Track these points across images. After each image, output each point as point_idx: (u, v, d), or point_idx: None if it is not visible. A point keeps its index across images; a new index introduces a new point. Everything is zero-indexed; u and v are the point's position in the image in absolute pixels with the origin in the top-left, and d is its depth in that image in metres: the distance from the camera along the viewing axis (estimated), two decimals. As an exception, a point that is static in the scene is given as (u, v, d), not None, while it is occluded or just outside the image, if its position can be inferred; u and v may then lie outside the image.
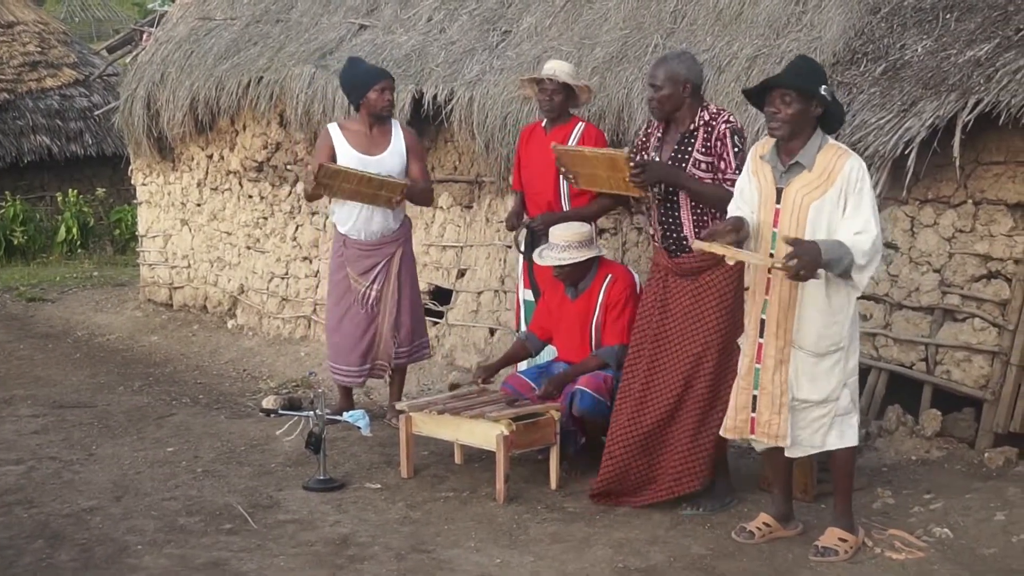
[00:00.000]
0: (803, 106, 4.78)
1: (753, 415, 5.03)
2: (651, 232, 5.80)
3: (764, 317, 4.94)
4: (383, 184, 6.70)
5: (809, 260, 4.60)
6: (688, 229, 5.50)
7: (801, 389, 4.90)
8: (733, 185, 5.29)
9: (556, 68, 6.46)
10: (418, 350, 7.25)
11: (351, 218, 6.97)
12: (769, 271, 4.83)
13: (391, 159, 6.89)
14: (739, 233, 4.84)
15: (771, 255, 4.86)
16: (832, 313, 4.82)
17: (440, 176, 8.85)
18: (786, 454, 5.06)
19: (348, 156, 6.85)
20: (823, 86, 4.80)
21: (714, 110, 5.51)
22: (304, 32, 9.90)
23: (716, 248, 4.76)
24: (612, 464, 5.63)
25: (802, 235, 4.78)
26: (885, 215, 6.54)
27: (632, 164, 5.46)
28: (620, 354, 5.95)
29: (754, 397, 5.02)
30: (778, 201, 4.87)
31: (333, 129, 7.02)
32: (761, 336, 4.96)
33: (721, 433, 5.23)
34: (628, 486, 5.64)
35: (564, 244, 6.06)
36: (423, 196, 7.15)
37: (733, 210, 5.06)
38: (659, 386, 5.56)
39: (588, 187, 6.08)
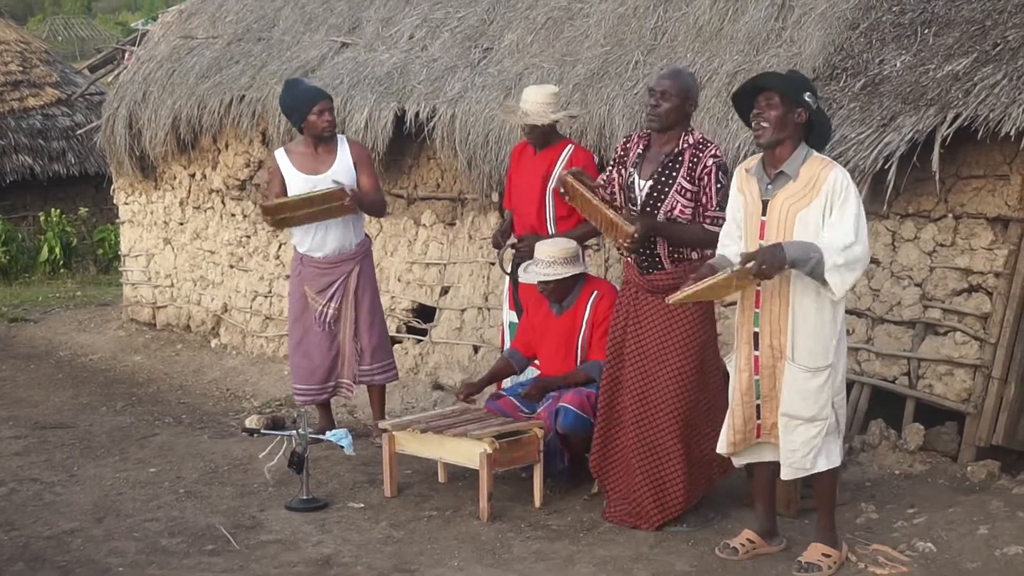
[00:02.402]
0: (786, 109, 4.80)
1: (758, 422, 5.02)
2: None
3: (757, 330, 4.94)
4: (324, 197, 6.71)
5: (769, 258, 4.65)
6: (662, 247, 5.49)
7: (792, 404, 4.87)
8: (713, 223, 5.33)
9: (530, 107, 6.32)
10: (382, 371, 7.16)
11: (308, 237, 6.97)
12: (754, 282, 4.82)
13: (338, 176, 6.85)
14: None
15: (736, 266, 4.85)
16: (822, 326, 4.82)
17: (423, 193, 8.85)
18: (782, 477, 5.04)
19: (295, 178, 6.87)
20: (807, 93, 4.83)
21: (699, 137, 5.50)
22: (286, 50, 9.90)
23: (688, 295, 4.85)
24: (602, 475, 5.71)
25: None
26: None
27: (628, 242, 5.37)
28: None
29: (757, 406, 5.01)
30: (764, 213, 4.88)
31: (280, 155, 7.05)
32: (756, 349, 4.96)
33: (720, 451, 5.19)
34: (627, 507, 5.64)
35: (549, 260, 6.06)
36: (373, 207, 7.09)
37: (722, 236, 5.10)
38: (638, 404, 5.55)
39: (586, 216, 5.79)
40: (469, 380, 7.13)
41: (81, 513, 5.93)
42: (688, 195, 5.41)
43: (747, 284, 4.85)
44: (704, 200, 5.40)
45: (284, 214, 6.78)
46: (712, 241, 5.24)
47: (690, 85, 5.49)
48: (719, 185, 5.39)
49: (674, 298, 4.88)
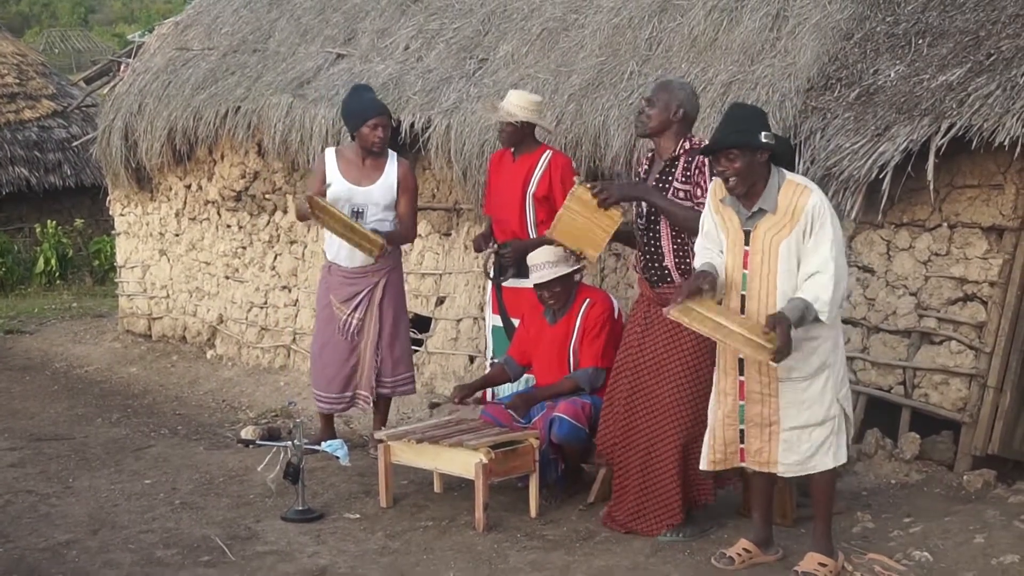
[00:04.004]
0: (749, 158, 4.79)
1: (742, 446, 5.02)
2: (634, 262, 5.81)
3: (742, 356, 4.92)
4: (365, 237, 6.70)
5: (788, 337, 4.62)
6: (669, 259, 5.52)
7: (799, 417, 4.87)
8: None
9: (510, 104, 6.44)
10: (401, 384, 7.14)
11: (335, 244, 6.97)
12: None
13: (379, 191, 6.86)
14: (710, 287, 4.85)
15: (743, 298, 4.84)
16: (809, 338, 4.82)
17: (418, 204, 8.84)
18: (783, 475, 5.02)
19: (337, 183, 6.85)
20: (763, 132, 4.81)
21: (696, 141, 5.51)
22: (281, 62, 9.91)
23: (694, 319, 4.76)
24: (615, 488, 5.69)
25: (773, 276, 4.80)
26: (861, 239, 6.58)
27: (591, 187, 5.46)
28: (593, 377, 5.97)
29: (741, 431, 5.01)
30: (746, 243, 4.88)
31: (329, 154, 7.04)
32: (741, 374, 4.96)
33: (703, 467, 5.17)
34: (629, 511, 5.63)
35: (550, 261, 6.07)
36: (403, 243, 7.21)
37: (700, 249, 5.07)
38: (643, 414, 5.55)
39: (594, 248, 5.70)
40: (462, 383, 7.11)
41: (76, 525, 5.92)
42: (682, 194, 5.44)
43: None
44: (699, 193, 5.39)
45: (323, 216, 6.72)
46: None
47: (677, 96, 5.47)
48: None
49: (673, 313, 4.80)
